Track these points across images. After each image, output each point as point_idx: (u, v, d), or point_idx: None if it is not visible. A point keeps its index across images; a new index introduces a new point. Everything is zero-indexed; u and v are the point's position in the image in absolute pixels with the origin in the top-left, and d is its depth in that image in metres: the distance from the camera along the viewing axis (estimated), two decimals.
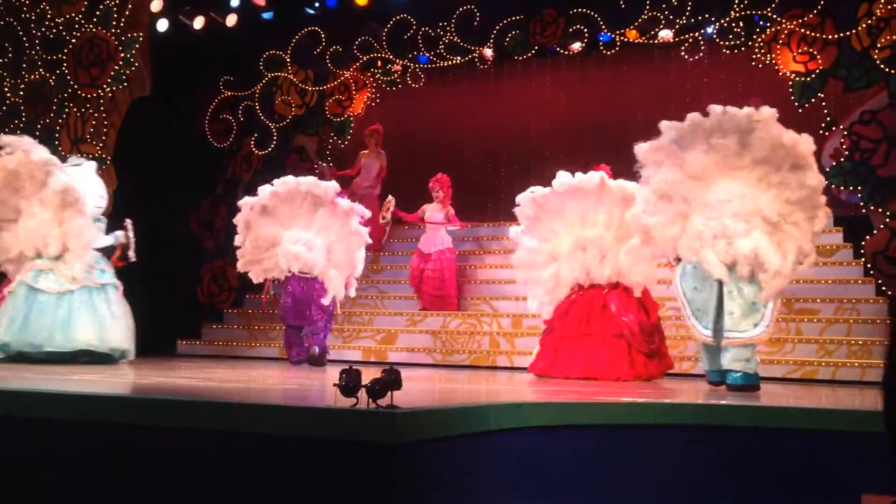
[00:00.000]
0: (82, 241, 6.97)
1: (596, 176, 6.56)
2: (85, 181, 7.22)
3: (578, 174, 6.62)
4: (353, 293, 7.86)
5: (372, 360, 8.62)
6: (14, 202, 7.05)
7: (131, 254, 7.27)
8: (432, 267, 9.16)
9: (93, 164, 7.57)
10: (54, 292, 6.85)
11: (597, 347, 6.32)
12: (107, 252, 7.26)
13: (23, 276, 6.90)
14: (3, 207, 7.06)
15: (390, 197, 9.52)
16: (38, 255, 6.95)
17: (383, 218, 9.47)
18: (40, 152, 7.17)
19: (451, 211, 9.45)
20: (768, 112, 5.38)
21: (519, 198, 6.72)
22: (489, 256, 9.93)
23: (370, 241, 7.83)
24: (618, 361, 6.24)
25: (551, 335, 6.60)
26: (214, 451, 3.19)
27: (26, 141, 7.28)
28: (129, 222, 7.33)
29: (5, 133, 9.49)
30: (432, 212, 9.40)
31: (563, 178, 6.60)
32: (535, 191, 6.67)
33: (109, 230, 7.35)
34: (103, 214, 7.43)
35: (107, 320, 6.96)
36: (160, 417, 3.34)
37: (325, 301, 7.36)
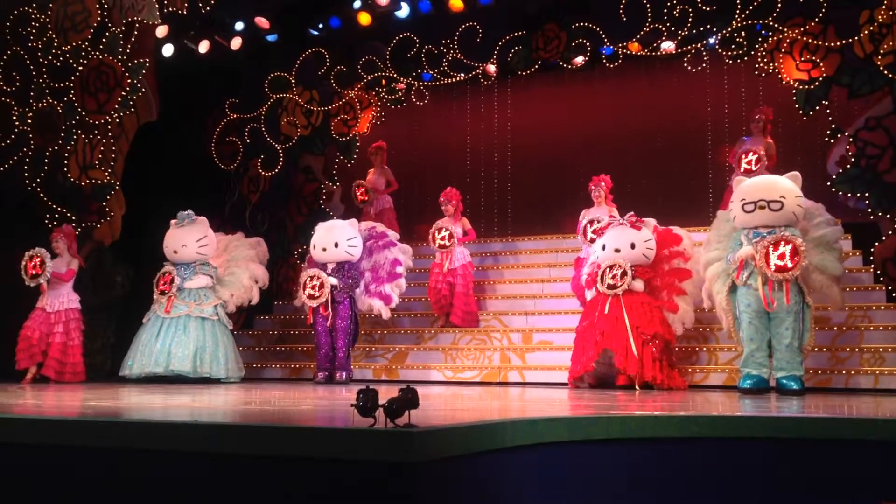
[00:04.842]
0: None
1: None
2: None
3: None
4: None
5: (383, 378, 8.63)
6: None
7: None
8: (461, 283, 9.04)
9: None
10: None
11: None
12: None
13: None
14: None
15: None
16: None
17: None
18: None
19: (467, 222, 9.31)
20: None
21: None
22: (495, 271, 9.94)
23: None
24: None
25: None
26: (230, 474, 3.19)
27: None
28: None
29: (13, 161, 9.62)
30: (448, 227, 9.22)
31: None
32: None
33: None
34: None
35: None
36: (171, 441, 3.34)
37: None
